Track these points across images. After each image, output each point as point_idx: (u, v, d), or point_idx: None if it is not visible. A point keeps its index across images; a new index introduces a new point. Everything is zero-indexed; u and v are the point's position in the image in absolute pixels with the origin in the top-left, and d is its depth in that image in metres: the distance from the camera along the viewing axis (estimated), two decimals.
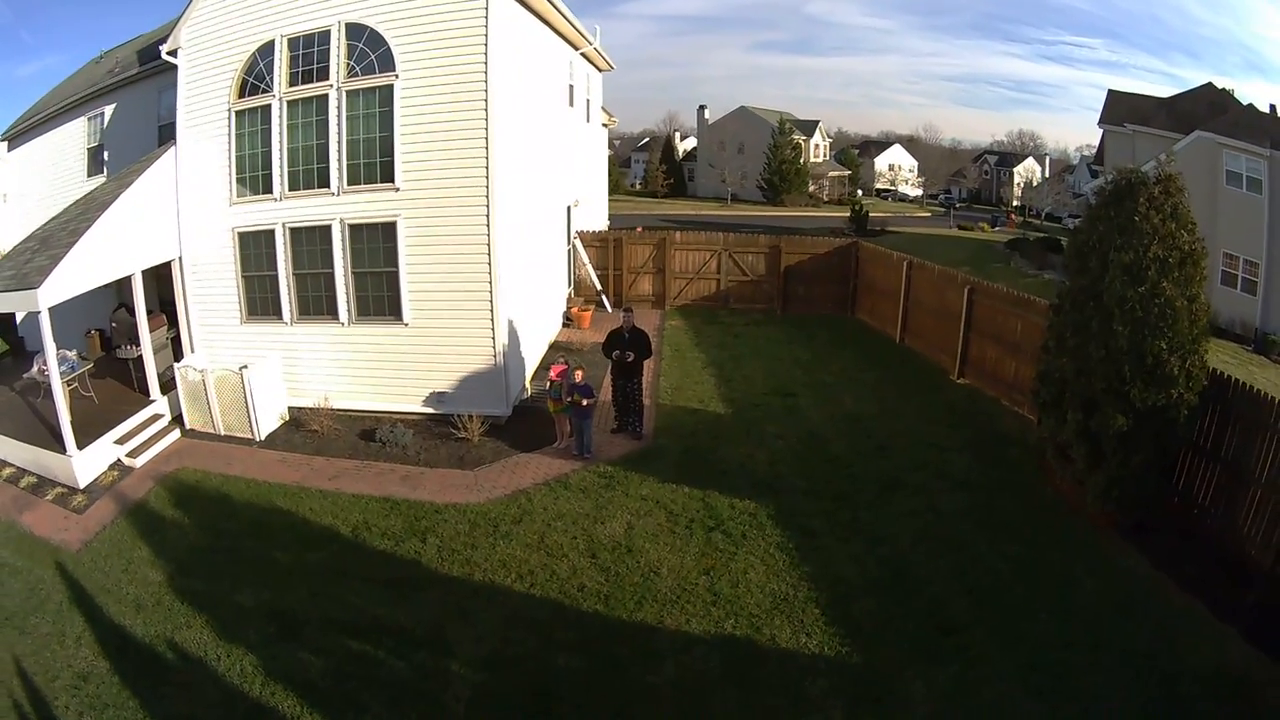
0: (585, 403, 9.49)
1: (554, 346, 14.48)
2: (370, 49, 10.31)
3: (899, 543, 7.75)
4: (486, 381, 10.79)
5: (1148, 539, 7.59)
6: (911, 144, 77.85)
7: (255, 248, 11.38)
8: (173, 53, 11.04)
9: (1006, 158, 73.68)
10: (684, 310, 17.55)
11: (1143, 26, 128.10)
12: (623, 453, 9.94)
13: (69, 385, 11.96)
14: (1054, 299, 8.85)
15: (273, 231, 11.16)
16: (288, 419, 11.35)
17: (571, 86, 16.31)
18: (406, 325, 10.86)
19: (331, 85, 10.47)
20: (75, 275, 9.51)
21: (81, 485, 9.56)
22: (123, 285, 11.50)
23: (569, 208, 16.53)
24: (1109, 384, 7.50)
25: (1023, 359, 11.09)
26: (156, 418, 11.50)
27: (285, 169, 10.89)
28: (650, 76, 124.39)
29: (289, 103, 10.70)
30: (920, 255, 16.00)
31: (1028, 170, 69.62)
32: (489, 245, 10.18)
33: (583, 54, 17.04)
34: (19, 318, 15.75)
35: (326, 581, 7.28)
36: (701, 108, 64.52)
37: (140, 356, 11.76)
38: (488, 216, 10.11)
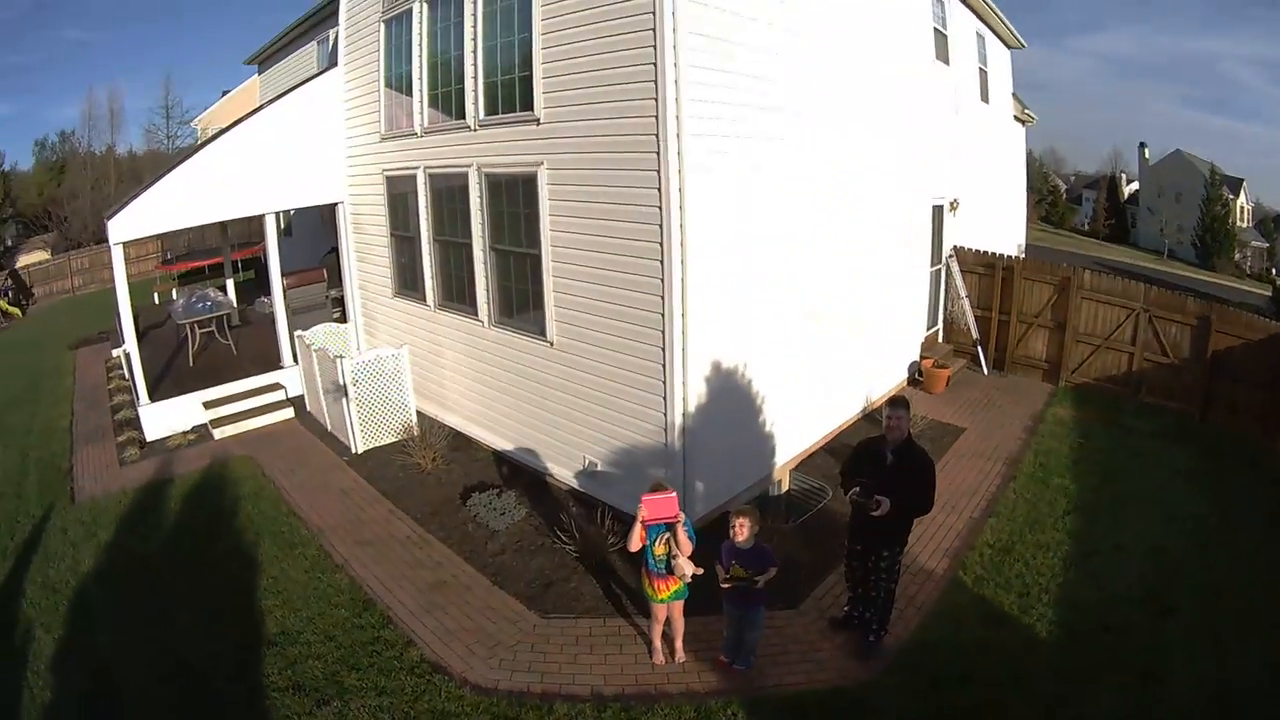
0: (759, 581, 4.42)
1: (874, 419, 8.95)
2: None
3: None
4: (651, 461, 6.15)
5: None
6: None
7: (401, 197, 8.62)
8: None
9: None
10: (1080, 393, 10.33)
11: None
12: (806, 681, 4.62)
13: (203, 329, 10.68)
14: None
15: (414, 177, 8.24)
16: (415, 434, 8.11)
17: (944, 35, 10.39)
18: (550, 344, 6.87)
19: None
20: (151, 211, 8.28)
21: (149, 438, 8.72)
22: (334, 228, 9.97)
23: (937, 208, 10.63)
24: None
25: None
26: (274, 388, 9.54)
27: (425, 93, 7.85)
28: (1097, 117, 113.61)
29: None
30: None
31: None
32: (661, 212, 5.60)
33: (967, 3, 11.39)
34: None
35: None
36: (1142, 145, 57.28)
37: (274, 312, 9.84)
38: (659, 160, 5.52)
